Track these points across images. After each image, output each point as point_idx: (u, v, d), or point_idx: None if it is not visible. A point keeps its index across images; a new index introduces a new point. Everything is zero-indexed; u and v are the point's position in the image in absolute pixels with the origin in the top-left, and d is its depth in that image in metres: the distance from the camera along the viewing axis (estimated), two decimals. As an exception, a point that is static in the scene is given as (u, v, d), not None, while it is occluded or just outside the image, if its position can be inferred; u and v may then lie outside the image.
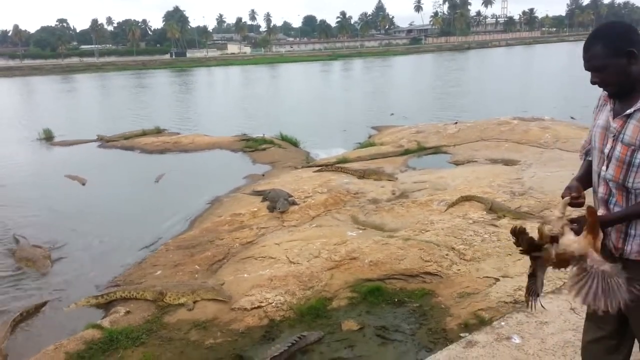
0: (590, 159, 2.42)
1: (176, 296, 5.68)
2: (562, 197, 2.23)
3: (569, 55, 65.15)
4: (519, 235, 2.16)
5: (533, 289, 2.31)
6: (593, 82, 2.18)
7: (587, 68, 2.16)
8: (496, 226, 6.89)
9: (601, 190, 2.25)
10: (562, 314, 3.65)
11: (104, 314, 5.81)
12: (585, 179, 2.39)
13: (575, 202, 2.20)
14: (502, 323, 3.61)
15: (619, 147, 2.12)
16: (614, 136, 2.15)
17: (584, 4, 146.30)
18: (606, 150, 2.19)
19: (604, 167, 2.21)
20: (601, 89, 2.24)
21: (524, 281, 5.10)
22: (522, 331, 3.48)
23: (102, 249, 8.20)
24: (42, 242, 8.32)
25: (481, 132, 14.15)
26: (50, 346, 4.96)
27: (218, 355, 4.68)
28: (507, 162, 11.13)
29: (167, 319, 5.38)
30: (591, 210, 2.05)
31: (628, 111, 2.09)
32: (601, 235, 2.04)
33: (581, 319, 3.54)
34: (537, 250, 2.15)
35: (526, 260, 5.64)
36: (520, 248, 2.23)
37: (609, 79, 2.11)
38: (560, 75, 38.29)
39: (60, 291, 6.74)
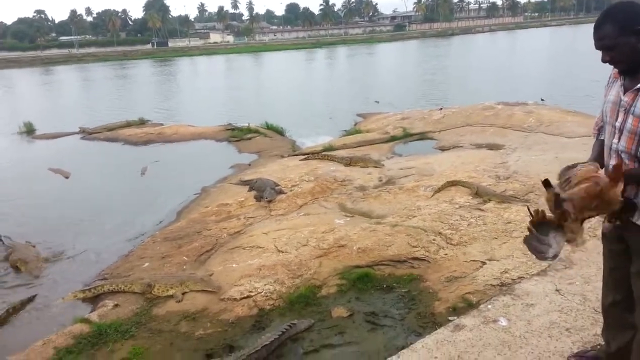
0: (602, 138, 2.50)
1: (164, 288, 5.65)
2: None
3: (551, 40, 65.64)
4: (547, 185, 2.20)
5: (535, 247, 2.29)
6: (604, 61, 2.26)
7: (597, 47, 2.24)
8: (482, 210, 6.95)
9: (612, 162, 2.34)
10: (548, 296, 3.70)
11: (92, 308, 5.77)
12: (598, 162, 2.45)
13: None
14: (489, 306, 3.65)
15: (630, 120, 2.21)
16: (625, 110, 2.25)
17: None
18: (617, 124, 2.30)
19: (615, 140, 2.31)
20: (611, 67, 2.33)
21: (510, 264, 5.22)
22: (509, 313, 3.52)
23: (88, 242, 8.10)
24: (26, 238, 8.19)
25: (466, 117, 14.21)
26: (39, 342, 4.91)
27: (208, 345, 4.68)
28: (492, 147, 11.21)
29: (156, 311, 5.36)
30: (618, 164, 2.14)
31: (639, 85, 2.19)
32: (621, 184, 2.09)
33: (566, 300, 3.62)
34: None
35: (511, 244, 5.71)
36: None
37: (619, 57, 2.20)
38: (542, 60, 38.59)
39: (46, 286, 6.68)
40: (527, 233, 2.32)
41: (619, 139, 2.29)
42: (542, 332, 3.28)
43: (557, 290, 3.77)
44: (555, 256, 2.28)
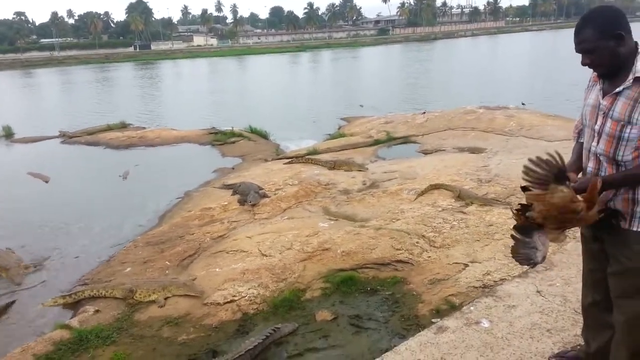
0: (582, 140, 2.55)
1: (146, 293, 5.59)
2: None
3: (532, 45, 66.64)
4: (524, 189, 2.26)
5: (524, 255, 2.34)
6: (584, 64, 2.29)
7: (578, 50, 2.28)
8: (464, 213, 7.01)
9: (591, 165, 2.40)
10: (529, 297, 3.75)
11: (73, 314, 5.69)
12: (574, 166, 2.52)
13: None
14: (472, 308, 3.68)
15: (609, 123, 2.25)
16: (604, 113, 2.29)
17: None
18: (596, 127, 2.33)
19: (594, 143, 2.35)
20: (591, 71, 2.37)
21: (492, 266, 5.27)
22: (491, 315, 3.55)
23: (68, 247, 7.98)
24: (5, 243, 8.03)
25: (448, 121, 14.35)
26: (17, 349, 4.82)
27: (191, 350, 4.64)
28: (474, 151, 11.33)
29: (138, 317, 5.30)
30: (593, 185, 2.15)
31: (617, 89, 2.22)
32: (596, 207, 2.15)
33: (547, 301, 3.66)
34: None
35: (493, 246, 5.78)
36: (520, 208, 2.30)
37: (599, 61, 2.23)
38: (523, 64, 39.17)
39: (26, 292, 6.55)
40: (512, 243, 2.35)
41: (598, 142, 2.32)
42: (523, 333, 3.31)
43: (538, 291, 3.82)
44: (543, 258, 2.32)
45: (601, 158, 2.34)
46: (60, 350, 4.73)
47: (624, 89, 2.20)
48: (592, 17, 2.23)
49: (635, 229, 2.29)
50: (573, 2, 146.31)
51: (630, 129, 2.18)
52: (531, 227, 2.29)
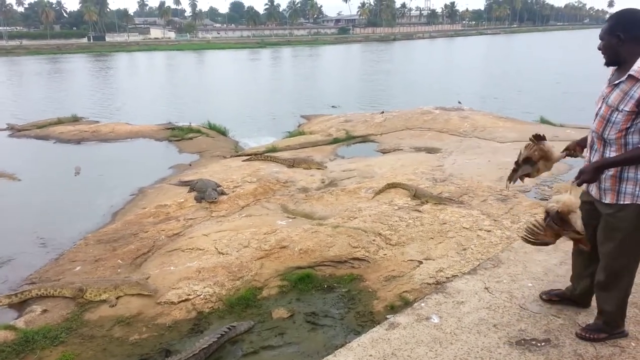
0: None
1: (97, 292, 5.45)
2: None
3: (488, 48, 68.49)
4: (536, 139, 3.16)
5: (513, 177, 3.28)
6: (598, 48, 2.82)
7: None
8: (420, 212, 7.17)
9: (589, 139, 2.97)
10: (477, 294, 3.87)
11: (19, 314, 5.47)
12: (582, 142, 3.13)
13: (570, 154, 3.14)
14: (422, 304, 3.77)
15: (603, 107, 2.79)
16: (603, 99, 2.81)
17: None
18: (596, 109, 2.87)
19: (593, 122, 2.90)
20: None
21: (445, 263, 5.43)
22: (441, 311, 3.65)
23: (15, 245, 7.64)
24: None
25: (406, 121, 14.60)
26: (-43, 351, 4.60)
27: (143, 350, 4.56)
28: (430, 150, 11.60)
29: (88, 317, 5.16)
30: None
31: (616, 81, 2.73)
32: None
33: (494, 298, 3.80)
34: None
35: (446, 244, 5.93)
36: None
37: (603, 50, 2.81)
38: (479, 67, 40.24)
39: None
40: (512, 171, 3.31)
41: (594, 122, 2.86)
42: (471, 329, 3.42)
43: (486, 288, 3.95)
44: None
45: (593, 135, 2.88)
46: (4, 352, 4.55)
47: (620, 82, 2.69)
48: (617, 14, 2.78)
49: (621, 202, 2.77)
50: (526, 8, 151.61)
51: (617, 115, 2.69)
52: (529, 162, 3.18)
